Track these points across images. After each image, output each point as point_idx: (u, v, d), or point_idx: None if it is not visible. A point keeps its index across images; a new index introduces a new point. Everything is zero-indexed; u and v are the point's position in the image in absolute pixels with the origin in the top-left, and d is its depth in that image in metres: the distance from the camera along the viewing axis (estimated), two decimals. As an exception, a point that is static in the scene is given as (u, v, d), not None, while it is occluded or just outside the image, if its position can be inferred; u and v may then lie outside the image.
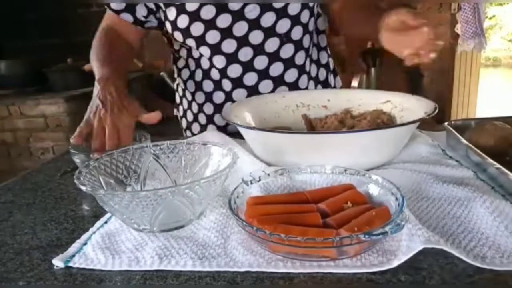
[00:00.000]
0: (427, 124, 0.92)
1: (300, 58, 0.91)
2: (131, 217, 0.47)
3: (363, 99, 0.81)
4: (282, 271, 0.40)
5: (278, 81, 0.90)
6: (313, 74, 0.96)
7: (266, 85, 0.89)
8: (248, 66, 0.88)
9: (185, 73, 0.97)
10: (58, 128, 2.05)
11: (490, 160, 0.55)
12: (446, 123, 0.72)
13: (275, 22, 0.86)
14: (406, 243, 0.41)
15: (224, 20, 0.84)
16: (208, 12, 0.83)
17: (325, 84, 1.00)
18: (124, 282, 0.41)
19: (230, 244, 0.45)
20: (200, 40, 0.85)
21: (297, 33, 0.89)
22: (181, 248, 0.45)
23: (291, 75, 0.91)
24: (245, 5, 0.83)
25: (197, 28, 0.84)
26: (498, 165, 0.54)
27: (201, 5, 0.83)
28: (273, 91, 0.90)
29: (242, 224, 0.42)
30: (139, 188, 0.57)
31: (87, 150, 0.70)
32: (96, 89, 0.72)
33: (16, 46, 2.69)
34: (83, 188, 0.46)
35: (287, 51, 0.89)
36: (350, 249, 0.40)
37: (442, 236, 0.43)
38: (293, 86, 0.91)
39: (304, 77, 0.93)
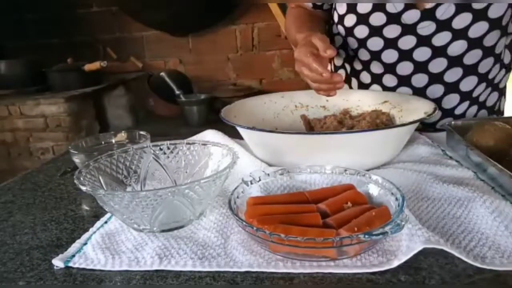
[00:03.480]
0: (427, 125, 0.92)
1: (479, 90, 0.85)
2: (131, 217, 0.47)
3: (361, 100, 0.81)
4: (282, 271, 0.40)
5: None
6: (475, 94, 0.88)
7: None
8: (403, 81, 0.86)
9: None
10: (58, 128, 2.04)
11: (490, 160, 0.55)
12: (446, 123, 0.72)
13: (449, 43, 0.80)
14: (406, 243, 0.41)
15: (392, 31, 0.82)
16: (377, 19, 0.82)
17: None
18: (124, 282, 0.41)
19: (230, 244, 0.45)
20: (362, 43, 0.86)
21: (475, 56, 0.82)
22: (181, 248, 0.45)
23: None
24: (419, 21, 0.79)
25: (361, 31, 0.85)
26: (498, 165, 0.54)
27: (372, 11, 0.82)
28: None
29: (242, 224, 0.42)
30: (139, 188, 0.57)
31: (87, 150, 0.70)
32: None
33: (16, 46, 2.68)
34: (83, 188, 0.46)
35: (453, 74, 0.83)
36: (350, 249, 0.40)
37: (442, 236, 0.43)
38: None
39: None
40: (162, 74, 2.30)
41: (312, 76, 0.70)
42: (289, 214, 0.45)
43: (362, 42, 0.86)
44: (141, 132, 0.73)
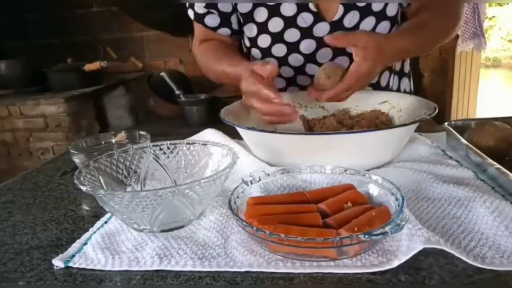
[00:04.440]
0: (427, 125, 0.92)
1: None
2: (131, 217, 0.47)
3: (360, 100, 0.81)
4: (282, 271, 0.40)
5: None
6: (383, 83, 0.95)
7: None
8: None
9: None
10: (58, 128, 2.04)
11: (490, 160, 0.55)
12: (446, 124, 0.72)
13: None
14: (406, 243, 0.41)
15: (307, 47, 0.85)
16: (292, 35, 0.84)
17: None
18: (124, 282, 0.41)
19: (230, 244, 0.45)
20: (283, 61, 0.87)
21: None
22: (181, 248, 0.45)
23: None
24: (330, 32, 0.81)
25: (280, 49, 0.86)
26: (498, 165, 0.54)
27: (285, 28, 0.83)
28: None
29: (242, 224, 0.42)
30: (139, 188, 0.57)
31: (87, 150, 0.70)
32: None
33: (16, 46, 2.68)
34: (83, 188, 0.46)
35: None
36: (350, 249, 0.40)
37: (442, 236, 0.43)
38: None
39: None
40: (162, 74, 2.30)
41: (262, 107, 0.65)
42: (289, 214, 0.45)
43: (283, 60, 0.88)
44: (141, 132, 0.73)
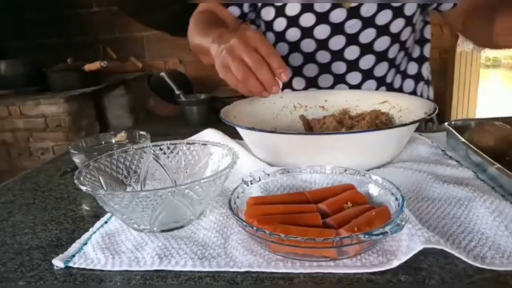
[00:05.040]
0: (426, 125, 0.92)
1: (380, 69, 0.91)
2: (131, 217, 0.47)
3: (360, 100, 0.81)
4: (282, 271, 0.40)
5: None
6: (397, 85, 0.96)
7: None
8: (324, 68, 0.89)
9: None
10: (58, 128, 2.04)
11: (490, 160, 0.55)
12: (446, 123, 0.72)
13: (375, 39, 0.86)
14: (406, 243, 0.41)
15: (322, 32, 0.85)
16: (308, 20, 0.83)
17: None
18: (124, 282, 0.41)
19: (230, 244, 0.45)
20: (295, 47, 0.86)
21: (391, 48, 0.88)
22: (181, 248, 0.45)
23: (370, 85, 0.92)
24: (346, 19, 0.83)
25: (294, 34, 0.85)
26: (498, 165, 0.54)
27: (301, 12, 0.83)
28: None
29: (242, 224, 0.42)
30: (139, 188, 0.57)
31: (87, 150, 0.70)
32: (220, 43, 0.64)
33: (16, 46, 2.69)
34: (83, 188, 0.46)
35: (381, 68, 0.90)
36: (350, 249, 0.40)
37: (442, 236, 0.43)
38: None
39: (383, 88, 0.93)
40: (162, 74, 2.30)
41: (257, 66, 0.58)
42: (289, 214, 0.45)
43: (295, 46, 0.87)
44: (141, 132, 0.73)
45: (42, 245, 0.49)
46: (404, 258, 0.40)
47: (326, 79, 0.91)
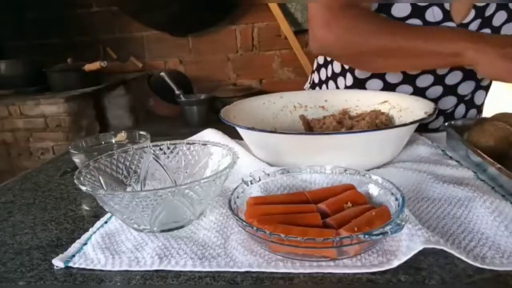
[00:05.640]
0: (426, 125, 0.92)
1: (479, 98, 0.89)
2: (131, 217, 0.47)
3: (360, 100, 0.81)
4: (282, 271, 0.40)
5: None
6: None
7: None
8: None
9: None
10: (58, 128, 2.04)
11: (490, 160, 0.55)
12: (446, 123, 0.72)
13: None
14: (406, 243, 0.41)
15: None
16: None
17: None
18: (124, 282, 0.41)
19: (230, 244, 0.45)
20: None
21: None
22: (181, 248, 0.45)
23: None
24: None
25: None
26: (498, 165, 0.54)
27: (409, 17, 0.77)
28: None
29: (242, 224, 0.42)
30: (139, 188, 0.57)
31: (87, 150, 0.70)
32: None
33: (16, 46, 2.68)
34: (83, 188, 0.46)
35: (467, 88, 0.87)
36: (350, 249, 0.40)
37: (442, 236, 0.43)
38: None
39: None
40: (162, 74, 2.30)
41: None
42: (289, 214, 0.45)
43: None
44: (141, 132, 0.73)
45: (42, 245, 0.49)
46: (404, 258, 0.40)
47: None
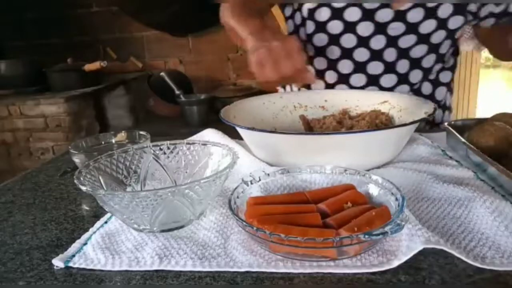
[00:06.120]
0: (426, 125, 0.92)
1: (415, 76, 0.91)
2: (131, 217, 0.47)
3: (360, 100, 0.81)
4: (282, 271, 0.40)
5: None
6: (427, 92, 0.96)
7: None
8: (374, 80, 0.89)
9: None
10: (58, 128, 2.04)
11: (490, 160, 0.55)
12: (446, 124, 0.72)
13: (414, 45, 0.86)
14: (406, 243, 0.41)
15: (365, 29, 0.84)
16: (352, 14, 0.83)
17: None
18: (124, 282, 0.41)
19: (230, 244, 0.45)
20: (335, 39, 0.86)
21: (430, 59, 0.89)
22: (181, 248, 0.45)
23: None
24: (391, 21, 0.83)
25: (336, 26, 0.84)
26: (498, 165, 0.54)
27: (348, 5, 0.82)
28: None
29: (242, 224, 0.42)
30: (139, 188, 0.57)
31: (87, 150, 0.70)
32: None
33: (16, 46, 2.68)
34: (83, 188, 0.46)
35: (416, 75, 0.90)
36: (350, 249, 0.40)
37: (442, 236, 0.43)
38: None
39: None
40: (162, 74, 2.29)
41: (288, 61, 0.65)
42: (289, 214, 0.45)
43: (335, 39, 0.86)
44: (141, 132, 0.73)
45: (42, 245, 0.49)
46: (404, 258, 0.40)
47: (359, 78, 0.90)
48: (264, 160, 0.66)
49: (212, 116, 2.13)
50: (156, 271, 0.42)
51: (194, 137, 0.75)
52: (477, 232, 0.45)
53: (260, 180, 0.53)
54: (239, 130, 0.66)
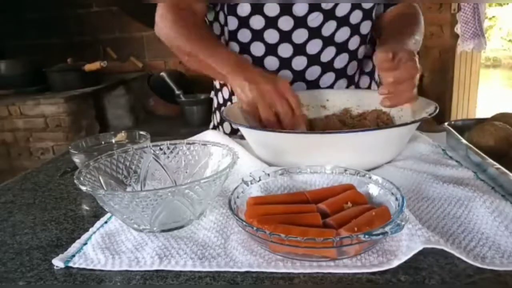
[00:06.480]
0: (426, 124, 0.92)
1: (351, 69, 0.92)
2: (131, 217, 0.47)
3: (362, 99, 0.81)
4: (282, 271, 0.40)
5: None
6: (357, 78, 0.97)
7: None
8: (299, 75, 0.89)
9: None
10: (58, 128, 2.05)
11: (490, 160, 0.55)
12: (446, 123, 0.72)
13: (335, 31, 0.86)
14: (406, 243, 0.41)
15: (285, 23, 0.84)
16: (271, 10, 0.83)
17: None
18: (124, 282, 0.41)
19: (230, 244, 0.45)
20: (258, 35, 0.86)
21: (354, 43, 0.90)
22: (181, 248, 0.45)
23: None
24: (309, 12, 0.84)
25: (258, 21, 0.84)
26: (498, 165, 0.54)
27: (266, 1, 0.82)
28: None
29: (242, 224, 0.42)
30: (139, 188, 0.57)
31: (87, 150, 0.70)
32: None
33: (16, 46, 2.69)
34: (83, 188, 0.46)
35: (342, 60, 0.90)
36: (350, 249, 0.40)
37: (442, 236, 0.43)
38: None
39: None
40: (162, 74, 2.30)
41: (286, 116, 0.66)
42: (289, 214, 0.45)
43: (259, 34, 0.86)
44: (141, 132, 0.73)
45: (42, 245, 0.49)
46: (404, 258, 0.40)
47: (284, 75, 0.90)
48: (265, 159, 0.66)
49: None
50: (156, 271, 0.42)
51: (194, 138, 0.75)
52: (477, 232, 0.45)
53: (260, 180, 0.53)
54: (241, 129, 0.66)
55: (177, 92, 2.23)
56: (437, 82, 2.90)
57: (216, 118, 1.03)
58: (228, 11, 0.86)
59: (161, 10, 0.85)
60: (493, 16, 7.26)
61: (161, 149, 0.58)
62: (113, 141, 0.74)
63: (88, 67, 2.15)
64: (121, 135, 0.75)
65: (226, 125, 0.97)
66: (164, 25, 0.84)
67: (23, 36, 2.70)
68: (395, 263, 0.39)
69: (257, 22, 0.84)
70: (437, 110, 0.64)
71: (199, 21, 0.86)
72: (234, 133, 0.90)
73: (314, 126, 0.77)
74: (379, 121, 0.72)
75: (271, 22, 0.84)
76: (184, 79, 2.49)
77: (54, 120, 2.04)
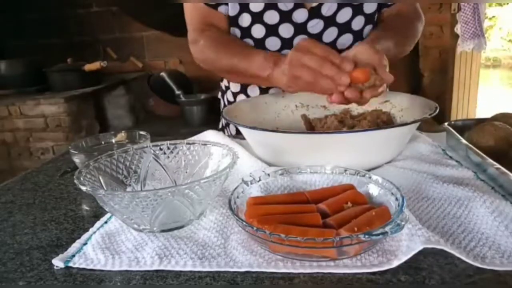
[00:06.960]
0: (426, 124, 0.92)
1: None
2: (131, 217, 0.47)
3: (362, 99, 0.81)
4: (282, 271, 0.40)
5: None
6: None
7: None
8: None
9: None
10: (58, 128, 2.05)
11: (490, 160, 0.55)
12: (446, 124, 0.72)
13: (337, 38, 0.86)
14: (406, 243, 0.41)
15: (286, 30, 0.85)
16: (271, 18, 0.84)
17: None
18: (124, 282, 0.41)
19: (230, 244, 0.45)
20: (259, 43, 0.87)
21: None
22: (181, 248, 0.45)
23: None
24: (308, 19, 0.84)
25: (259, 30, 0.85)
26: (498, 165, 0.54)
27: (265, 9, 0.83)
28: None
29: (242, 224, 0.42)
30: (139, 188, 0.57)
31: (87, 150, 0.70)
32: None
33: (16, 46, 2.69)
34: (83, 188, 0.46)
35: None
36: (350, 249, 0.40)
37: (442, 236, 0.43)
38: None
39: None
40: (162, 74, 2.30)
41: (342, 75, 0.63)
42: (289, 214, 0.45)
43: (260, 42, 0.87)
44: (141, 132, 0.73)
45: (42, 245, 0.49)
46: (404, 258, 0.40)
47: None
48: (265, 159, 0.66)
49: (212, 116, 2.13)
50: (156, 271, 0.42)
51: (195, 138, 0.75)
52: (477, 232, 0.45)
53: (260, 180, 0.53)
54: (242, 129, 0.66)
55: (177, 92, 2.23)
56: (437, 82, 2.90)
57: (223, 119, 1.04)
58: (232, 22, 0.87)
59: (190, 36, 0.90)
60: (493, 16, 7.26)
61: (161, 149, 0.58)
62: (113, 141, 0.74)
63: (88, 67, 2.15)
64: (121, 135, 0.75)
65: (233, 126, 0.97)
66: (198, 52, 0.89)
67: (23, 36, 2.70)
68: (395, 263, 0.39)
69: (258, 31, 0.85)
70: (437, 110, 0.64)
71: (226, 33, 0.89)
72: (240, 133, 0.91)
73: (314, 126, 0.77)
74: (379, 121, 0.72)
75: (271, 30, 0.85)
76: (184, 79, 2.49)
77: (54, 120, 2.04)
